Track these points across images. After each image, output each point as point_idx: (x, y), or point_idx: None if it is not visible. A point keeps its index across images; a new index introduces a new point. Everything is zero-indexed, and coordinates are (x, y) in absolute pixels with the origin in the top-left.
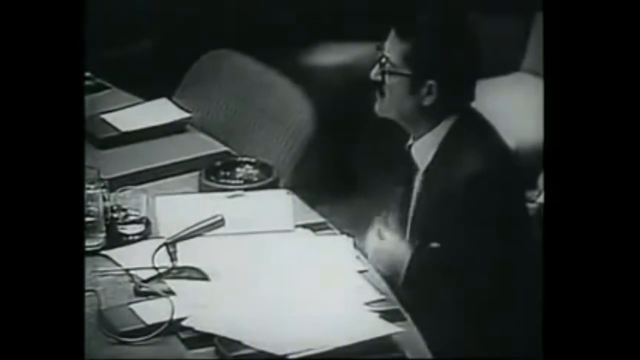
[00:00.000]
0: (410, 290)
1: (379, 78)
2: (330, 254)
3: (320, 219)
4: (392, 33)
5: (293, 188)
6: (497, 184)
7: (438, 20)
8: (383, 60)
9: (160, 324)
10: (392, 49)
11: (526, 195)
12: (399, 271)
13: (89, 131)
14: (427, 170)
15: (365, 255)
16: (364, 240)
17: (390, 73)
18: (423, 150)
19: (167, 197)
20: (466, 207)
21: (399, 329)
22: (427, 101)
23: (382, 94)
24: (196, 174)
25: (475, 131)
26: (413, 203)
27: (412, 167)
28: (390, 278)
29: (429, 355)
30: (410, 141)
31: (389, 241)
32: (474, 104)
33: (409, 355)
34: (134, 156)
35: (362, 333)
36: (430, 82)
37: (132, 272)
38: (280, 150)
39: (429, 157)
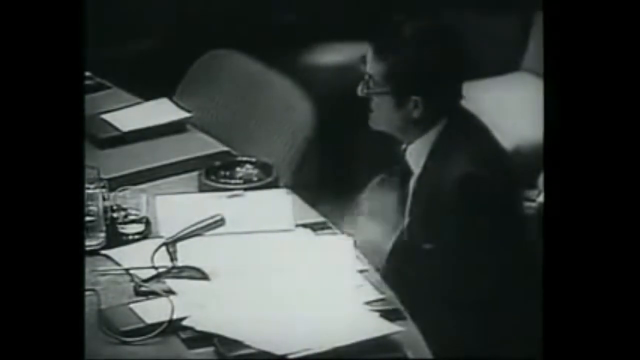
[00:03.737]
0: (409, 291)
1: (365, 94)
2: (330, 253)
3: (320, 219)
4: (370, 52)
5: (293, 188)
6: (490, 184)
7: (414, 31)
8: (366, 77)
9: (160, 324)
10: (373, 67)
11: (521, 194)
12: (381, 258)
13: (89, 131)
14: (421, 174)
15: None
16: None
17: (374, 93)
18: (416, 154)
19: (167, 197)
20: (460, 209)
21: (399, 329)
22: (416, 114)
23: (371, 110)
24: (196, 173)
25: (466, 133)
26: (408, 205)
27: (407, 169)
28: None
29: (429, 355)
30: (404, 145)
31: (370, 229)
32: (472, 104)
33: (409, 355)
34: (134, 156)
35: (362, 333)
36: (415, 97)
37: (132, 271)
38: (280, 149)
39: (422, 161)
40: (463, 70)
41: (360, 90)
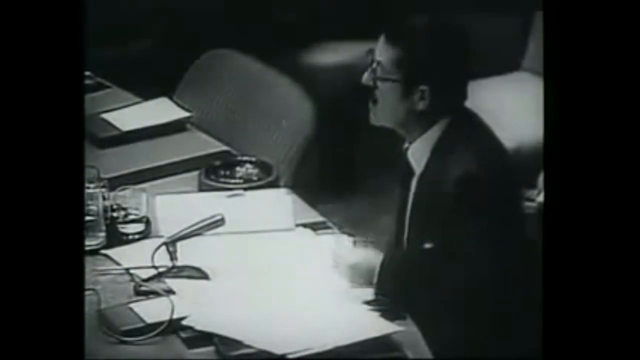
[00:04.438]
0: (409, 291)
1: (371, 83)
2: (330, 253)
3: (320, 219)
4: (382, 39)
5: (293, 187)
6: (491, 183)
7: (427, 23)
8: (374, 65)
9: (160, 323)
10: (383, 54)
11: (522, 194)
12: (372, 277)
13: (89, 130)
14: (422, 174)
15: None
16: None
17: (382, 79)
18: (418, 153)
19: (167, 196)
20: (461, 208)
21: (398, 328)
22: (421, 106)
23: (375, 101)
24: (196, 173)
25: (468, 131)
26: (410, 205)
27: (409, 169)
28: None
29: (429, 355)
30: (406, 144)
31: (353, 251)
32: (472, 104)
33: (409, 355)
34: (134, 155)
35: (362, 332)
36: (423, 87)
37: (132, 271)
38: (280, 149)
39: (424, 160)
40: (470, 70)
41: (366, 78)
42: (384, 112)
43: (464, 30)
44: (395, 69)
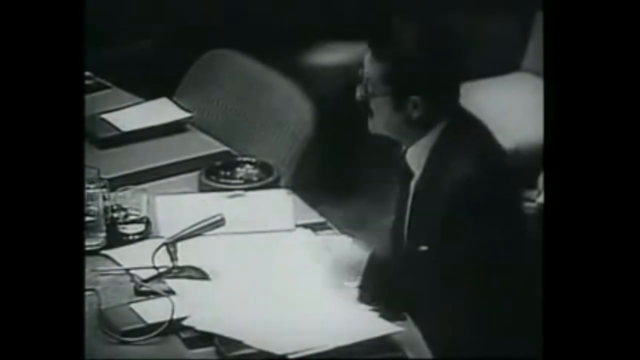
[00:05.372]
0: (408, 292)
1: (364, 98)
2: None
3: (321, 219)
4: (368, 55)
5: (293, 188)
6: (491, 184)
7: (411, 33)
8: (364, 81)
9: (160, 324)
10: (371, 70)
11: (522, 195)
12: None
13: (89, 131)
14: (422, 176)
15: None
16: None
17: (373, 96)
18: (416, 156)
19: (167, 197)
20: (460, 210)
21: (398, 329)
22: (415, 115)
23: (372, 114)
24: (196, 173)
25: (466, 133)
26: (409, 207)
27: (407, 171)
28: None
29: (429, 355)
30: (404, 147)
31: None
32: (471, 105)
33: (409, 355)
34: (134, 156)
35: (362, 333)
36: (414, 97)
37: (132, 271)
38: (280, 150)
39: (422, 163)
40: (461, 70)
41: (358, 95)
42: (380, 124)
43: (450, 33)
44: (384, 84)
